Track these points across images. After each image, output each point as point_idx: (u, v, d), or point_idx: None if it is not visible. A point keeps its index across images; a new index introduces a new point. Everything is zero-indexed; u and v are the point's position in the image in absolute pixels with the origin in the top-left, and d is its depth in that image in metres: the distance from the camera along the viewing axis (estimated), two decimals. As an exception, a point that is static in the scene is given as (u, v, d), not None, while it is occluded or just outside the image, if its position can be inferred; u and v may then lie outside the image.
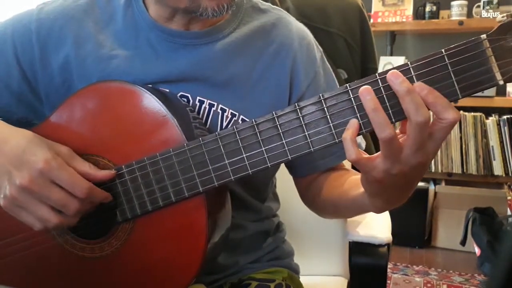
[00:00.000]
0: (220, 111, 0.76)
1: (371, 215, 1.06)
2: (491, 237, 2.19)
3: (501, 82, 0.54)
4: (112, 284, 0.72)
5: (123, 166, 0.68)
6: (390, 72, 0.54)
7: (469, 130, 2.35)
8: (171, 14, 0.74)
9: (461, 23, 2.34)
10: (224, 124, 0.76)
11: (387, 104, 0.55)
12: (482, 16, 2.36)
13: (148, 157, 0.66)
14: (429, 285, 2.14)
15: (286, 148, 0.60)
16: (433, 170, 2.42)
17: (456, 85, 0.54)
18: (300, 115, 0.59)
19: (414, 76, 0.55)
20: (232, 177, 0.64)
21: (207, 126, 0.75)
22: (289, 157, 0.61)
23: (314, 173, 0.82)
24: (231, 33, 0.78)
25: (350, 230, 1.06)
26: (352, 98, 0.57)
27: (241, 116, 0.76)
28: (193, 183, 0.65)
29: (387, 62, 2.48)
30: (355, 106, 0.57)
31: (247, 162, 0.62)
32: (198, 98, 0.76)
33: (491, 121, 2.32)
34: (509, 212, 2.29)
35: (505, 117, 2.30)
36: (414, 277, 2.21)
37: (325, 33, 1.50)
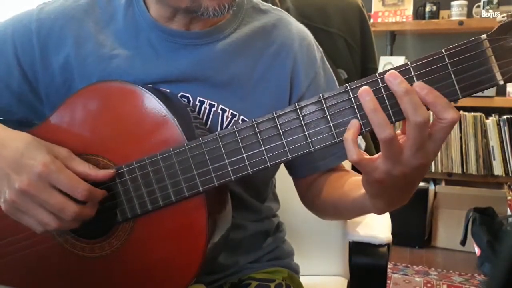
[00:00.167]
0: (220, 112, 0.76)
1: (371, 215, 1.06)
2: (491, 237, 2.19)
3: (501, 82, 0.54)
4: (112, 284, 0.72)
5: (123, 166, 0.68)
6: (388, 72, 0.54)
7: (469, 130, 2.35)
8: (172, 14, 0.74)
9: (461, 23, 2.34)
10: (225, 124, 0.76)
11: (387, 104, 0.55)
12: (482, 16, 2.36)
13: (148, 157, 0.66)
14: (429, 285, 2.14)
15: (286, 148, 0.60)
16: (433, 170, 2.42)
17: (456, 85, 0.54)
18: (300, 115, 0.59)
19: (414, 76, 0.55)
20: (232, 177, 0.64)
21: (208, 126, 0.75)
22: (289, 156, 0.61)
23: (314, 174, 0.82)
24: (232, 34, 0.78)
25: (350, 230, 1.06)
26: (352, 98, 0.57)
27: (242, 117, 0.76)
28: (193, 183, 0.65)
29: (387, 62, 2.48)
30: (355, 106, 0.57)
31: (247, 162, 0.62)
32: (198, 98, 0.76)
33: (491, 121, 2.32)
34: (509, 212, 2.29)
35: (505, 117, 2.30)
36: (414, 277, 2.21)
37: (325, 33, 1.50)
